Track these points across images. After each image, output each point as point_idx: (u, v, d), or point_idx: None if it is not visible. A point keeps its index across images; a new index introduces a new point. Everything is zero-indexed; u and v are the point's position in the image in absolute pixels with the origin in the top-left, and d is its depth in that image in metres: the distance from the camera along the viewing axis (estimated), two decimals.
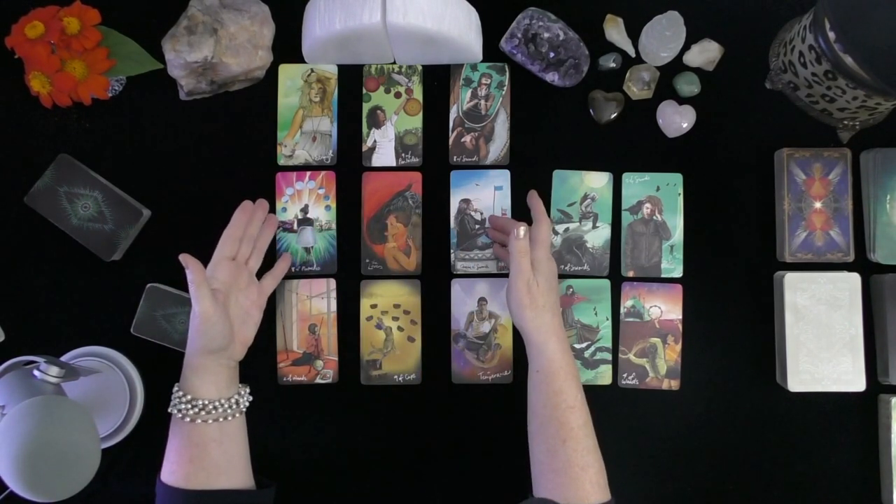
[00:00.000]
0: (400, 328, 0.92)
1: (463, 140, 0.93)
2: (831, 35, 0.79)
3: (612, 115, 0.93)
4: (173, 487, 0.76)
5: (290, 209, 0.93)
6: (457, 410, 0.92)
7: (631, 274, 0.93)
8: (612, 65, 0.93)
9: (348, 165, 0.93)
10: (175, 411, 0.78)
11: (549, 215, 0.87)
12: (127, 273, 0.91)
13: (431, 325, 0.92)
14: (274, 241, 0.92)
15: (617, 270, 0.93)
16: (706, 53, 0.93)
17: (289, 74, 0.94)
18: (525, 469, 0.80)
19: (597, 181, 0.93)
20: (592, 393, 0.82)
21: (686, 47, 0.93)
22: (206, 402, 0.77)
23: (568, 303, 0.92)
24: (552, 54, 0.91)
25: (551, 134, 0.94)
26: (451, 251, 0.93)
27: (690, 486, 0.91)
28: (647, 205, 0.93)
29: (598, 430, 0.79)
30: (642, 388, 0.92)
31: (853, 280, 0.89)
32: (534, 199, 0.86)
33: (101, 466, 0.69)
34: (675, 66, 0.94)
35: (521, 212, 0.91)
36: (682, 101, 0.93)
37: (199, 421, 0.77)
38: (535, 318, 0.80)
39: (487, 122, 0.94)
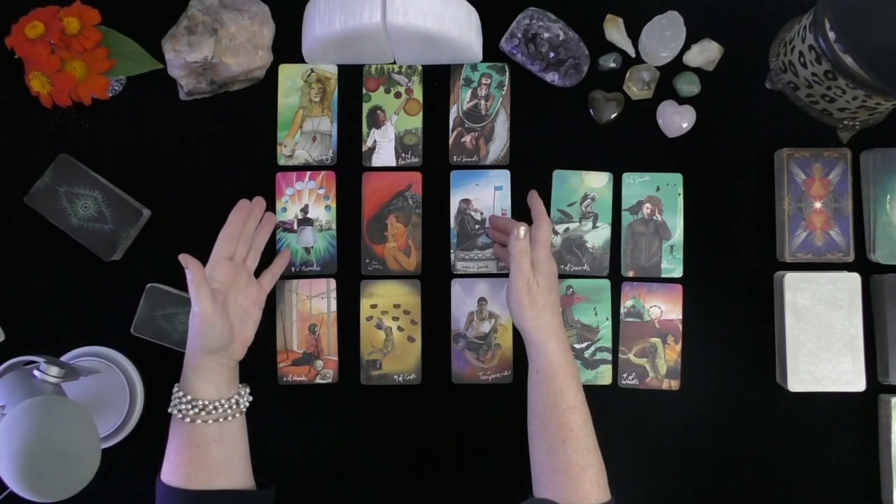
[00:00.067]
0: (400, 328, 0.92)
1: (463, 140, 0.93)
2: (831, 35, 0.79)
3: (612, 115, 0.93)
4: (173, 487, 0.76)
5: (290, 209, 0.93)
6: (457, 410, 0.92)
7: (631, 274, 0.93)
8: (612, 65, 0.93)
9: (348, 165, 0.93)
10: (175, 411, 0.78)
11: (549, 215, 0.87)
12: (127, 273, 0.91)
13: (431, 325, 0.92)
14: (274, 241, 0.92)
15: (617, 270, 0.93)
16: (706, 53, 0.93)
17: (289, 74, 0.94)
18: (525, 469, 0.80)
19: (597, 181, 0.93)
20: (592, 393, 0.82)
21: (686, 47, 0.93)
22: (206, 403, 0.77)
23: (568, 303, 0.92)
24: (552, 54, 0.91)
25: (551, 134, 0.94)
26: (451, 251, 0.93)
27: (690, 486, 0.91)
28: (647, 205, 0.93)
29: (598, 430, 0.79)
30: (642, 388, 0.92)
31: (853, 280, 0.89)
32: (534, 200, 0.86)
33: (101, 466, 0.69)
34: (675, 66, 0.94)
35: (521, 212, 0.91)
36: (682, 101, 0.93)
37: (199, 421, 0.77)
38: (535, 318, 0.80)
39: (487, 122, 0.94)
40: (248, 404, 0.81)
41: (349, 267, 0.93)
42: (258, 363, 0.90)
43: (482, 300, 0.92)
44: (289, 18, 0.92)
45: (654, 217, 0.93)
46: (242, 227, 0.85)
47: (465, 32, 0.88)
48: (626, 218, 0.93)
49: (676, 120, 0.92)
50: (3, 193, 0.91)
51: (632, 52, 0.94)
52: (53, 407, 0.68)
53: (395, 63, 0.94)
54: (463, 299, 0.92)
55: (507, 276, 0.91)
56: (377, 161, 0.93)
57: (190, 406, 0.77)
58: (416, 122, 0.94)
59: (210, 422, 0.77)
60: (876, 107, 0.86)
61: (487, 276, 0.93)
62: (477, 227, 0.93)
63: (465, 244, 0.93)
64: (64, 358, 0.87)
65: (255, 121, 0.93)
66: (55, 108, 0.88)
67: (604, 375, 0.92)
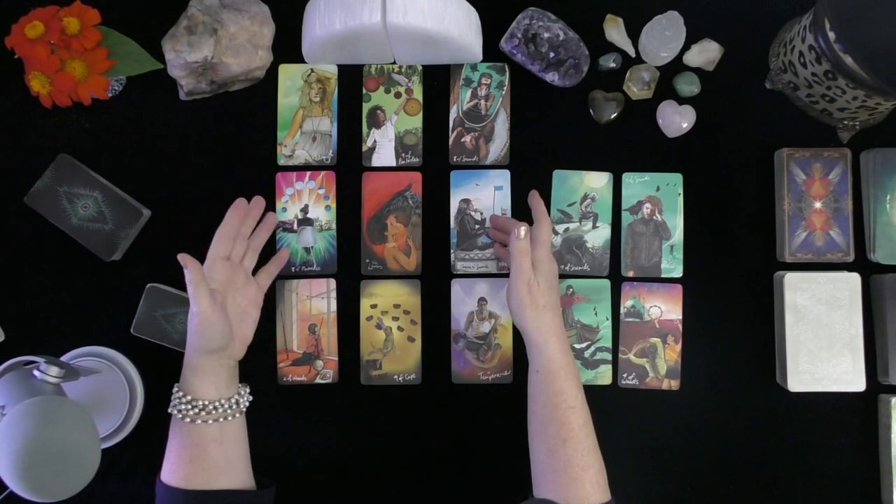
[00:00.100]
0: (400, 328, 0.92)
1: (463, 140, 0.93)
2: (831, 35, 0.79)
3: (612, 115, 0.93)
4: (173, 487, 0.76)
5: (290, 209, 0.93)
6: (457, 410, 0.92)
7: (631, 274, 0.93)
8: (612, 65, 0.93)
9: (348, 165, 0.93)
10: (175, 411, 0.78)
11: (549, 215, 0.87)
12: (127, 273, 0.91)
13: (431, 325, 0.92)
14: (274, 241, 0.92)
15: (617, 270, 0.93)
16: (706, 53, 0.93)
17: (289, 74, 0.94)
18: (525, 469, 0.80)
19: (597, 181, 0.93)
20: (592, 393, 0.82)
21: (686, 47, 0.93)
22: (206, 403, 0.77)
23: (568, 303, 0.92)
24: (552, 54, 0.91)
25: (551, 134, 0.94)
26: (451, 251, 0.93)
27: (690, 486, 0.91)
28: (647, 205, 0.93)
29: (598, 430, 0.79)
30: (642, 388, 0.92)
31: (853, 280, 0.89)
32: (535, 199, 0.86)
33: (101, 466, 0.69)
34: (675, 66, 0.94)
35: (521, 212, 0.91)
36: (682, 101, 0.93)
37: (199, 421, 0.77)
38: (535, 319, 0.80)
39: (487, 122, 0.94)
40: (247, 404, 0.81)
41: (349, 267, 0.93)
42: (258, 363, 0.90)
43: (482, 300, 0.92)
44: (289, 18, 0.92)
45: (654, 217, 0.93)
46: (239, 227, 0.85)
47: (465, 32, 0.88)
48: (626, 218, 0.93)
49: (676, 120, 0.92)
50: (3, 193, 0.91)
51: (632, 52, 0.94)
52: (53, 407, 0.68)
53: (395, 63, 0.94)
54: (463, 299, 0.92)
55: (507, 276, 0.91)
56: (377, 161, 0.93)
57: (190, 406, 0.77)
58: (416, 122, 0.94)
59: (210, 422, 0.77)
60: (876, 107, 0.86)
61: (487, 276, 0.93)
62: (477, 227, 0.93)
63: (465, 244, 0.93)
64: (64, 358, 0.87)
65: (255, 121, 0.93)
66: (55, 108, 0.88)
67: (604, 375, 0.92)
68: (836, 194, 0.91)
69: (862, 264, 0.91)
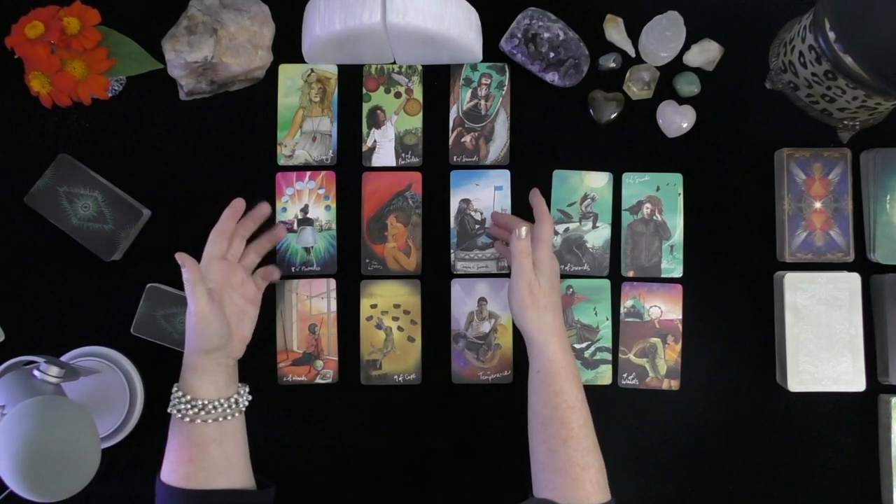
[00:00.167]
0: (400, 328, 0.92)
1: (463, 140, 0.93)
2: (831, 35, 0.79)
3: (612, 115, 0.93)
4: (173, 487, 0.76)
5: (290, 209, 0.93)
6: (457, 410, 0.92)
7: (631, 274, 0.93)
8: (612, 65, 0.93)
9: (348, 165, 0.93)
10: (174, 411, 0.78)
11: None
12: (127, 273, 0.91)
13: (431, 325, 0.92)
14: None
15: (617, 270, 0.93)
16: (706, 53, 0.93)
17: (289, 74, 0.94)
18: (525, 469, 0.80)
19: (597, 181, 0.93)
20: (592, 393, 0.82)
21: (686, 47, 0.93)
22: (206, 402, 0.77)
23: (568, 303, 0.92)
24: (552, 54, 0.91)
25: (551, 134, 0.94)
26: (451, 251, 0.93)
27: (690, 486, 0.91)
28: (647, 205, 0.93)
29: (598, 430, 0.79)
30: (642, 388, 0.92)
31: (853, 280, 0.89)
32: (536, 198, 0.86)
33: (101, 466, 0.69)
34: (675, 66, 0.94)
35: (521, 212, 0.91)
36: (682, 101, 0.93)
37: (198, 421, 0.77)
38: (537, 319, 0.80)
39: (487, 122, 0.94)
40: (247, 404, 0.81)
41: (349, 267, 0.93)
42: (258, 363, 0.90)
43: (482, 300, 0.92)
44: (289, 18, 0.92)
45: (654, 217, 0.93)
46: (234, 226, 0.84)
47: (465, 32, 0.88)
48: (626, 218, 0.93)
49: (676, 120, 0.92)
50: (3, 193, 0.91)
51: (632, 52, 0.94)
52: (53, 407, 0.68)
53: (395, 63, 0.94)
54: (463, 299, 0.92)
55: (507, 276, 0.91)
56: (377, 161, 0.93)
57: (189, 406, 0.77)
58: (416, 122, 0.94)
59: (209, 421, 0.77)
60: (876, 107, 0.86)
61: (487, 276, 0.93)
62: (477, 227, 0.93)
63: (465, 244, 0.93)
64: (64, 358, 0.87)
65: (255, 121, 0.93)
66: (55, 108, 0.88)
67: (604, 375, 0.92)
68: (836, 194, 0.91)
69: (862, 264, 0.91)
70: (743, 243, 0.93)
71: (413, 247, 0.93)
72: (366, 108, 0.94)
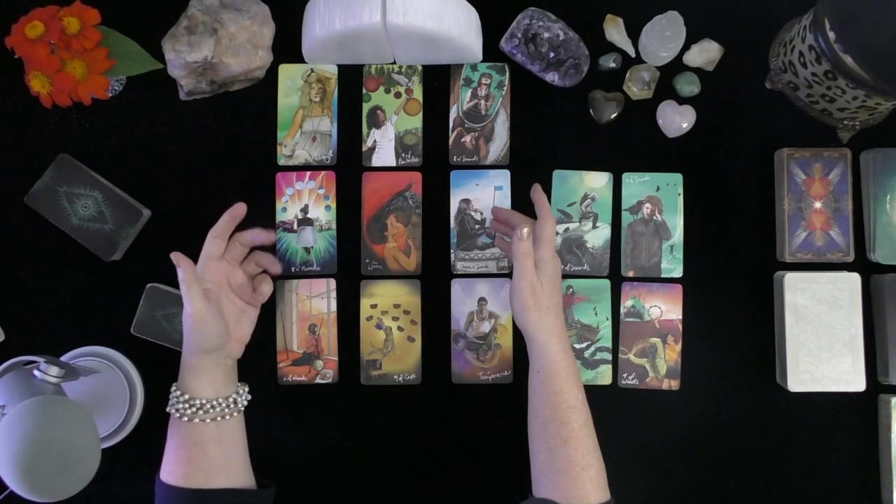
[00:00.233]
0: (400, 328, 0.92)
1: (463, 140, 0.93)
2: (831, 35, 0.79)
3: (612, 115, 0.93)
4: (172, 486, 0.76)
5: (290, 209, 0.93)
6: (457, 410, 0.92)
7: (631, 274, 0.93)
8: (612, 65, 0.93)
9: (348, 165, 0.93)
10: (173, 411, 0.78)
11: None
12: (127, 273, 0.91)
13: (431, 325, 0.92)
14: (274, 242, 0.91)
15: (617, 270, 0.93)
16: (706, 53, 0.93)
17: (289, 74, 0.94)
18: (525, 469, 0.80)
19: (597, 181, 0.93)
20: (592, 393, 0.82)
21: (686, 47, 0.93)
22: (204, 402, 0.77)
23: (568, 303, 0.92)
24: (552, 54, 0.91)
25: (551, 134, 0.94)
26: (451, 251, 0.93)
27: (690, 486, 0.91)
28: (647, 205, 0.93)
29: (598, 430, 0.79)
30: (642, 388, 0.92)
31: (853, 280, 0.89)
32: (538, 194, 0.85)
33: (101, 466, 0.69)
34: (675, 66, 0.94)
35: (521, 211, 0.91)
36: (682, 101, 0.93)
37: (196, 420, 0.77)
38: (538, 320, 0.80)
39: (487, 122, 0.94)
40: (246, 403, 0.81)
41: (349, 267, 0.93)
42: (258, 363, 0.90)
43: (482, 300, 0.92)
44: (289, 18, 0.92)
45: (654, 217, 0.93)
46: (232, 229, 0.84)
47: (465, 32, 0.88)
48: (626, 218, 0.93)
49: (676, 120, 0.92)
50: (3, 193, 0.91)
51: (632, 52, 0.94)
52: (53, 407, 0.68)
53: (395, 63, 0.94)
54: (463, 299, 0.92)
55: (507, 276, 0.91)
56: (377, 161, 0.93)
57: (187, 405, 0.77)
58: (416, 122, 0.94)
59: (208, 421, 0.77)
60: (876, 107, 0.86)
61: (487, 276, 0.93)
62: (477, 227, 0.93)
63: (465, 244, 0.93)
64: (64, 358, 0.87)
65: (255, 121, 0.93)
66: (55, 108, 0.88)
67: (604, 375, 0.92)
68: (836, 194, 0.91)
69: (862, 264, 0.91)
70: (743, 243, 0.93)
71: (413, 247, 0.93)
72: (366, 108, 0.94)
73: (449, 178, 0.93)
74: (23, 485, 0.64)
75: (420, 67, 0.94)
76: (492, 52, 0.93)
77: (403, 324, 0.92)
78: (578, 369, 0.82)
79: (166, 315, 0.90)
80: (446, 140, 0.94)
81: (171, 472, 0.77)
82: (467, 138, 0.93)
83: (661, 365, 0.92)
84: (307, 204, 0.93)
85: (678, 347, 0.92)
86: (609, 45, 0.94)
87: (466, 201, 0.93)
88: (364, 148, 0.93)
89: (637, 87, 0.92)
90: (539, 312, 0.80)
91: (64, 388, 0.75)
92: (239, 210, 0.85)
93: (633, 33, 0.94)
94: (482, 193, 0.93)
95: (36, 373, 0.73)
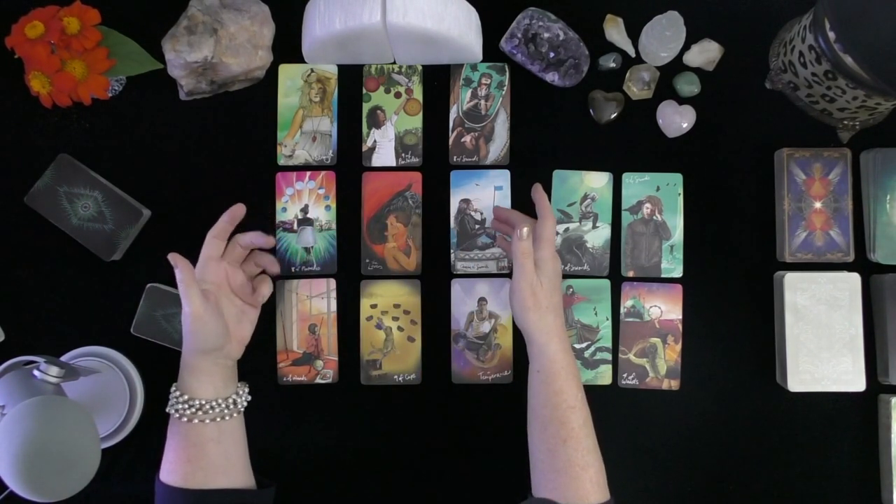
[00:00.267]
0: (400, 328, 0.92)
1: (463, 140, 0.93)
2: (831, 35, 0.79)
3: (612, 115, 0.93)
4: (172, 487, 0.76)
5: (290, 209, 0.93)
6: (457, 410, 0.92)
7: (631, 274, 0.93)
8: (612, 65, 0.93)
9: (348, 165, 0.93)
10: (173, 411, 0.78)
11: None
12: (127, 273, 0.91)
13: (431, 325, 0.92)
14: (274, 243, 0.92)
15: (617, 270, 0.93)
16: (706, 53, 0.93)
17: (289, 74, 0.94)
18: (525, 469, 0.80)
19: (597, 181, 0.93)
20: (592, 393, 0.82)
21: (686, 47, 0.93)
22: (204, 402, 0.77)
23: (568, 303, 0.92)
24: (552, 54, 0.91)
25: (551, 134, 0.94)
26: (451, 251, 0.93)
27: (690, 485, 0.91)
28: (647, 205, 0.93)
29: (598, 429, 0.79)
30: (642, 388, 0.92)
31: (853, 280, 0.89)
32: (538, 194, 0.85)
33: (101, 466, 0.69)
34: (675, 66, 0.94)
35: (521, 211, 0.91)
36: (682, 101, 0.93)
37: (196, 421, 0.77)
38: (538, 320, 0.80)
39: (487, 122, 0.94)
40: (246, 404, 0.81)
41: (349, 267, 0.93)
42: (258, 363, 0.90)
43: (482, 300, 0.92)
44: (289, 18, 0.92)
45: (654, 217, 0.93)
46: (230, 229, 0.84)
47: (465, 32, 0.88)
48: (626, 218, 0.93)
49: (676, 120, 0.92)
50: (3, 193, 0.91)
51: (632, 52, 0.94)
52: (53, 407, 0.68)
53: (395, 63, 0.94)
54: (463, 299, 0.92)
55: (507, 276, 0.91)
56: (377, 161, 0.93)
57: (187, 406, 0.77)
58: (416, 122, 0.94)
59: (207, 421, 0.77)
60: (876, 107, 0.86)
61: (487, 276, 0.93)
62: (477, 227, 0.93)
63: (465, 244, 0.93)
64: (64, 358, 0.87)
65: (255, 121, 0.93)
66: (55, 108, 0.88)
67: (604, 375, 0.92)
68: (836, 194, 0.91)
69: (862, 264, 0.91)
70: (743, 243, 0.93)
71: (413, 247, 0.93)
72: (366, 108, 0.94)
73: (449, 178, 0.93)
74: (23, 485, 0.64)
75: (420, 67, 0.94)
76: (492, 52, 0.93)
77: (403, 324, 0.92)
78: (578, 369, 0.82)
79: (166, 315, 0.90)
80: (446, 140, 0.94)
81: (171, 472, 0.77)
82: (467, 138, 0.93)
83: (661, 365, 0.92)
84: (307, 204, 0.93)
85: (678, 347, 0.92)
86: (609, 45, 0.94)
87: (466, 201, 0.93)
88: (364, 148, 0.93)
89: (637, 87, 0.92)
90: (539, 312, 0.80)
91: (64, 388, 0.75)
92: (238, 211, 0.85)
93: (633, 33, 0.94)
94: (482, 193, 0.93)
95: (36, 373, 0.73)
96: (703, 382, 0.92)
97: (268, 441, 0.90)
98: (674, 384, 0.92)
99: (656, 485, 0.91)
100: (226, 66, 0.88)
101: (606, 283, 0.92)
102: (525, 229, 0.81)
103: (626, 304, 0.92)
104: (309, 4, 0.89)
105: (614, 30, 0.93)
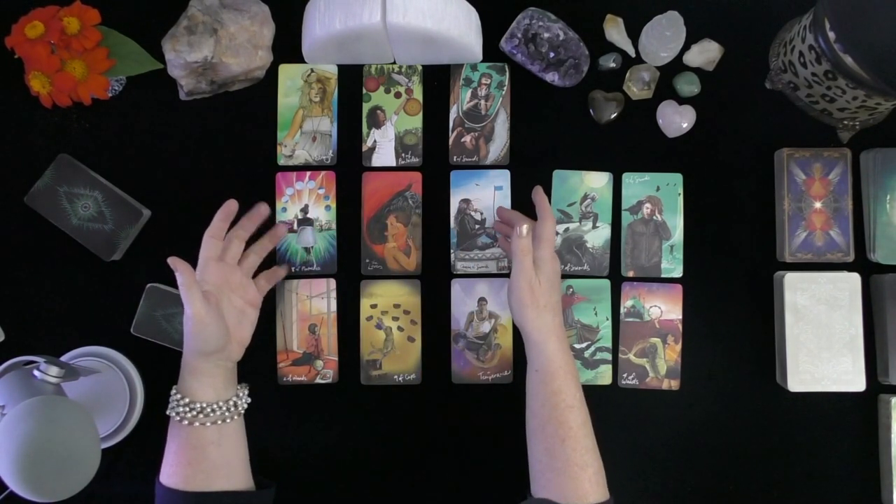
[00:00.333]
0: (400, 328, 0.92)
1: (463, 140, 0.93)
2: (831, 35, 0.79)
3: (612, 115, 0.93)
4: (172, 489, 0.76)
5: (290, 209, 0.93)
6: (457, 410, 0.92)
7: (631, 274, 0.93)
8: (612, 65, 0.93)
9: (348, 165, 0.93)
10: (173, 414, 0.78)
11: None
12: (127, 273, 0.91)
13: (431, 325, 0.92)
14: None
15: (617, 270, 0.93)
16: (706, 53, 0.93)
17: (289, 74, 0.94)
18: (525, 469, 0.80)
19: (597, 181, 0.93)
20: (592, 393, 0.82)
21: (686, 47, 0.93)
22: (204, 405, 0.77)
23: (568, 303, 0.92)
24: (552, 54, 0.91)
25: (551, 134, 0.94)
26: (451, 251, 0.93)
27: (690, 486, 0.91)
28: (647, 205, 0.93)
29: (597, 430, 0.79)
30: (642, 388, 0.92)
31: (853, 280, 0.89)
32: (538, 195, 0.86)
33: (101, 466, 0.69)
34: (675, 66, 0.94)
35: (521, 211, 0.91)
36: (682, 101, 0.93)
37: (196, 424, 0.77)
38: (536, 318, 0.80)
39: (487, 122, 0.94)
40: (246, 406, 0.81)
41: (349, 267, 0.93)
42: (258, 363, 0.90)
43: (482, 300, 0.92)
44: (289, 18, 0.92)
45: (654, 217, 0.93)
46: (227, 228, 0.84)
47: (465, 32, 0.88)
48: (626, 218, 0.93)
49: (676, 120, 0.92)
50: (3, 193, 0.91)
51: (632, 52, 0.94)
52: (53, 407, 0.68)
53: (395, 63, 0.94)
54: (463, 299, 0.92)
55: (507, 275, 0.91)
56: (377, 161, 0.93)
57: (188, 409, 0.77)
58: (416, 122, 0.94)
59: (208, 424, 0.77)
60: (876, 107, 0.86)
61: (487, 276, 0.93)
62: (477, 227, 0.93)
63: (465, 244, 0.93)
64: (64, 358, 0.87)
65: (255, 121, 0.93)
66: (55, 108, 0.88)
67: (604, 375, 0.92)
68: (836, 194, 0.91)
69: (862, 264, 0.91)
70: (743, 243, 0.93)
71: (413, 247, 0.93)
72: (366, 108, 0.94)
73: (449, 178, 0.93)
74: (23, 485, 0.64)
75: (420, 67, 0.94)
76: (492, 52, 0.93)
77: (403, 324, 0.92)
78: (577, 369, 0.82)
79: (166, 315, 0.90)
80: (446, 140, 0.94)
81: (171, 474, 0.77)
82: (467, 138, 0.93)
83: (661, 365, 0.92)
84: (307, 204, 0.93)
85: (678, 347, 0.92)
86: (609, 45, 0.94)
87: (466, 201, 0.93)
88: (364, 148, 0.93)
89: (637, 87, 0.92)
90: (537, 311, 0.80)
91: (64, 388, 0.75)
92: (231, 207, 0.84)
93: (633, 33, 0.94)
94: (482, 193, 0.93)
95: (36, 373, 0.73)
96: (703, 382, 0.92)
97: (268, 441, 0.90)
98: (674, 384, 0.92)
99: (656, 485, 0.91)
100: (226, 66, 0.88)
101: (606, 283, 0.92)
102: (525, 227, 0.81)
103: (626, 304, 0.92)
104: (309, 4, 0.89)
105: (614, 30, 0.93)
